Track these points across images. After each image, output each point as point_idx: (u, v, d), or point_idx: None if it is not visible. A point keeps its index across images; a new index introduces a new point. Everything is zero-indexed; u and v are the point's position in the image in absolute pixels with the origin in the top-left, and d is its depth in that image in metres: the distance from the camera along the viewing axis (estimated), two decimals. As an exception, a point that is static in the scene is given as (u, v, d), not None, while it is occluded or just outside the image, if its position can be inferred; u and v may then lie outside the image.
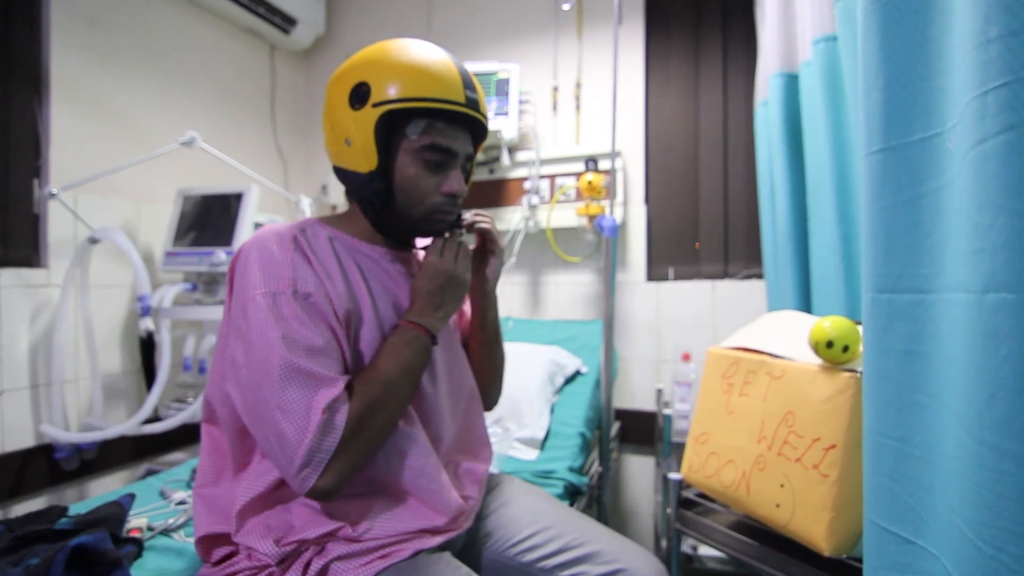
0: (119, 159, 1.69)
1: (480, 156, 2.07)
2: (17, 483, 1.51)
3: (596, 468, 1.45)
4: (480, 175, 2.08)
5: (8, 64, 1.50)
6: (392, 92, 0.74)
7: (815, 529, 0.73)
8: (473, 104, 0.78)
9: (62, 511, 0.93)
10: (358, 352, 0.76)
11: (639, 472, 1.95)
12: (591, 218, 1.85)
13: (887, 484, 0.60)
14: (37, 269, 1.59)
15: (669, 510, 1.03)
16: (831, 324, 0.75)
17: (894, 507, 0.58)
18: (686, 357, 1.73)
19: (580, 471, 1.30)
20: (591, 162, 1.85)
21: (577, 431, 1.38)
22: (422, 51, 0.78)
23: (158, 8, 1.89)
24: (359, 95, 0.75)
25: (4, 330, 1.51)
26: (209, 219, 1.78)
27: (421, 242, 0.92)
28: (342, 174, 0.81)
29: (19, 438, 1.54)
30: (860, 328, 0.75)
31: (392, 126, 0.76)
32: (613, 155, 1.59)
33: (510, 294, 2.11)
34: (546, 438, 1.36)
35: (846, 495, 0.71)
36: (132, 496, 0.93)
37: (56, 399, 1.57)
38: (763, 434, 0.83)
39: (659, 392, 1.84)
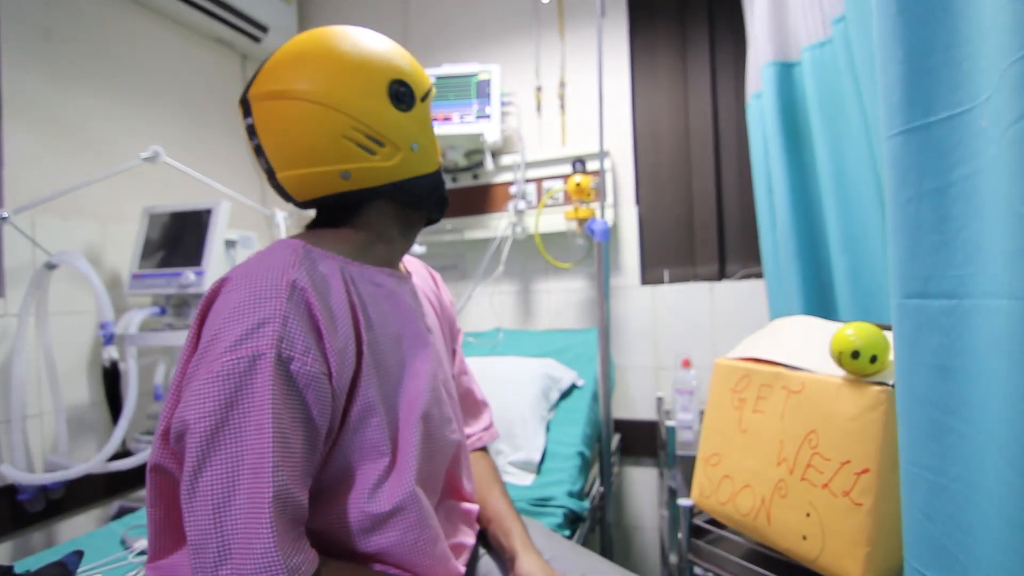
0: (80, 178, 1.59)
1: (463, 161, 1.99)
2: (-20, 528, 1.40)
3: (597, 488, 1.36)
4: (464, 181, 2.00)
5: (-48, 80, 1.40)
6: (422, 82, 0.71)
7: (849, 566, 0.65)
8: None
9: (7, 571, 0.83)
10: (346, 419, 0.62)
11: (641, 484, 1.86)
12: (581, 222, 1.77)
13: (921, 521, 0.52)
14: (-7, 299, 1.48)
15: (680, 535, 0.94)
16: (856, 332, 0.67)
17: (930, 548, 0.50)
18: (686, 363, 1.65)
19: (581, 495, 1.20)
20: (578, 163, 1.77)
21: (575, 450, 1.29)
22: (381, 37, 0.73)
23: (118, 18, 1.79)
24: (400, 95, 0.67)
25: (-44, 366, 1.40)
26: (179, 238, 1.69)
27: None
28: (403, 187, 0.69)
29: (-21, 479, 1.43)
30: (889, 335, 0.67)
31: None
32: (601, 155, 1.51)
33: (500, 304, 2.03)
34: (542, 460, 1.26)
35: (883, 526, 0.63)
36: (79, 554, 0.83)
37: (17, 437, 1.46)
38: (783, 456, 0.75)
39: (659, 400, 1.76)
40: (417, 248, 1.95)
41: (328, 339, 0.59)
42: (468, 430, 0.94)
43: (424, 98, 0.70)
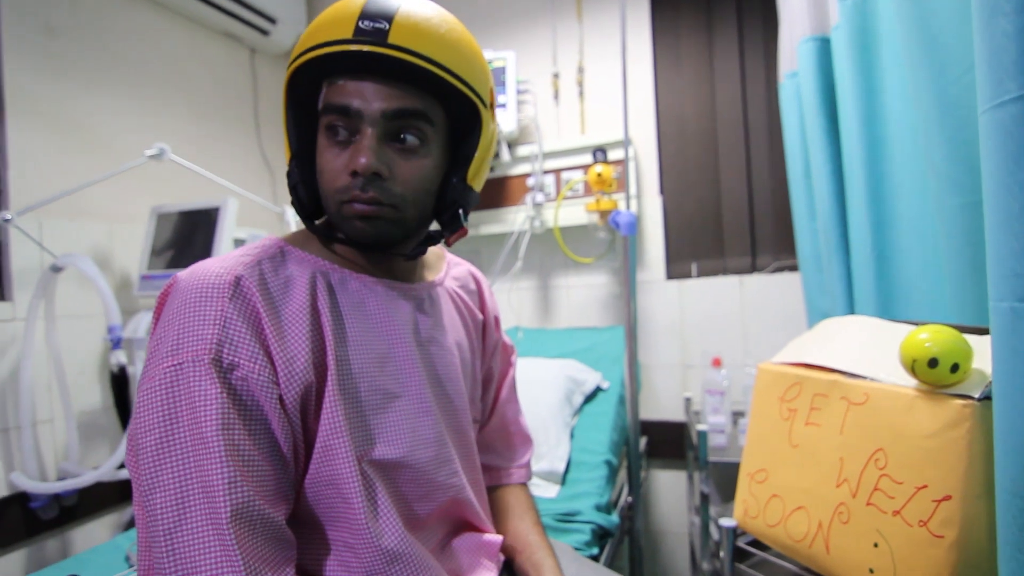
0: (87, 177, 1.54)
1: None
2: (-13, 536, 1.38)
3: (626, 498, 1.28)
4: (479, 174, 1.92)
5: (-47, 79, 1.36)
6: (291, 59, 0.58)
7: (929, 607, 0.56)
8: (373, 34, 0.53)
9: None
10: (309, 440, 0.54)
11: (669, 488, 1.78)
12: (602, 214, 1.68)
13: (1018, 558, 0.43)
14: (1, 303, 1.45)
15: (723, 555, 0.86)
16: (932, 336, 0.58)
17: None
18: (716, 362, 1.56)
19: (609, 508, 1.12)
20: (599, 152, 1.68)
21: (602, 459, 1.21)
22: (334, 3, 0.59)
23: (122, 14, 1.75)
24: None
25: (-34, 370, 1.37)
26: (188, 238, 1.64)
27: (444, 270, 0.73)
28: None
29: (-12, 486, 1.40)
30: (971, 339, 0.58)
31: (310, 103, 0.60)
32: (627, 143, 1.42)
33: (518, 301, 1.95)
34: (567, 470, 1.18)
35: (970, 562, 0.55)
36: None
37: (28, 443, 1.43)
38: (843, 476, 0.66)
39: (687, 401, 1.68)
40: (432, 244, 1.89)
41: (274, 345, 0.52)
42: (498, 462, 0.84)
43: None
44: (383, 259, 0.65)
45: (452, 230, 0.65)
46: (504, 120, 1.77)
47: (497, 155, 1.85)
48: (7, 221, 1.36)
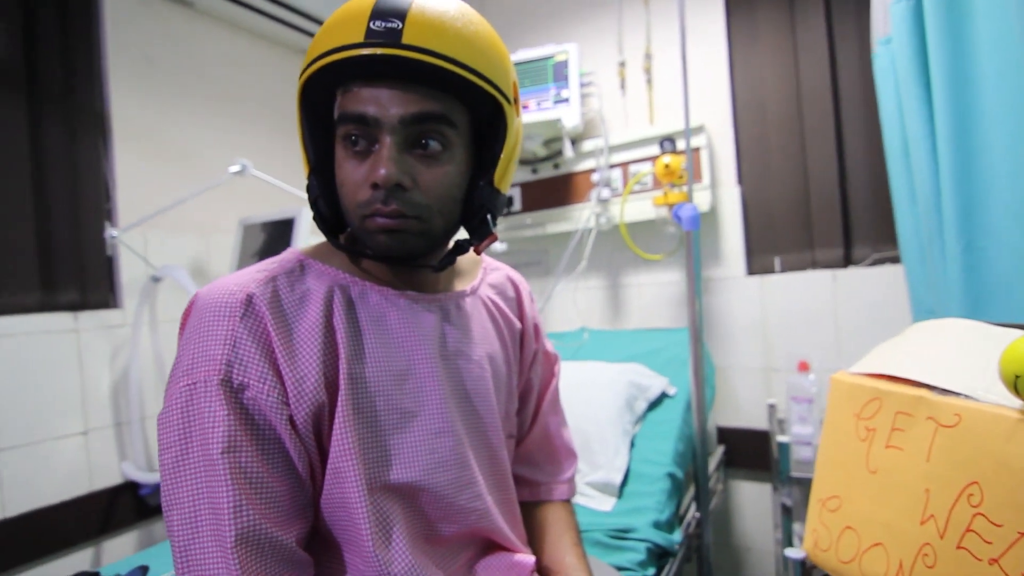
0: (183, 194, 1.69)
1: (542, 151, 1.87)
2: (106, 520, 1.55)
3: (693, 514, 1.19)
4: (545, 171, 1.88)
5: (73, 111, 1.54)
6: (302, 67, 0.55)
7: None
8: (386, 35, 0.50)
9: (92, 577, 0.87)
10: (325, 459, 0.53)
11: (752, 501, 1.65)
12: (671, 208, 1.58)
13: None
14: (113, 310, 1.62)
15: (791, 588, 0.77)
16: (1040, 347, 0.47)
17: None
18: (803, 367, 1.42)
19: (669, 526, 1.04)
20: (667, 142, 1.58)
21: (664, 471, 1.12)
22: (343, 4, 0.55)
23: (210, 40, 1.89)
24: None
25: (87, 371, 1.54)
26: (269, 247, 1.75)
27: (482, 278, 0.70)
28: None
29: (106, 476, 1.57)
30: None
31: (324, 112, 0.58)
32: (688, 131, 1.32)
33: (586, 301, 1.89)
34: (624, 482, 1.11)
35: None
36: (144, 569, 0.85)
37: (136, 436, 1.59)
38: (930, 511, 0.56)
39: (771, 408, 1.54)
40: (497, 246, 1.88)
41: (284, 365, 0.51)
42: (539, 477, 0.79)
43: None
44: (408, 270, 0.63)
45: (481, 237, 0.62)
46: (568, 115, 1.72)
47: (560, 153, 1.81)
48: (113, 237, 1.51)
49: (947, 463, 0.55)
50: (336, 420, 0.53)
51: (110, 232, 1.51)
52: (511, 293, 0.77)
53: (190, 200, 1.65)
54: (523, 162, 1.92)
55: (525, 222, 1.89)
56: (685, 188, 1.57)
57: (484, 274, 0.75)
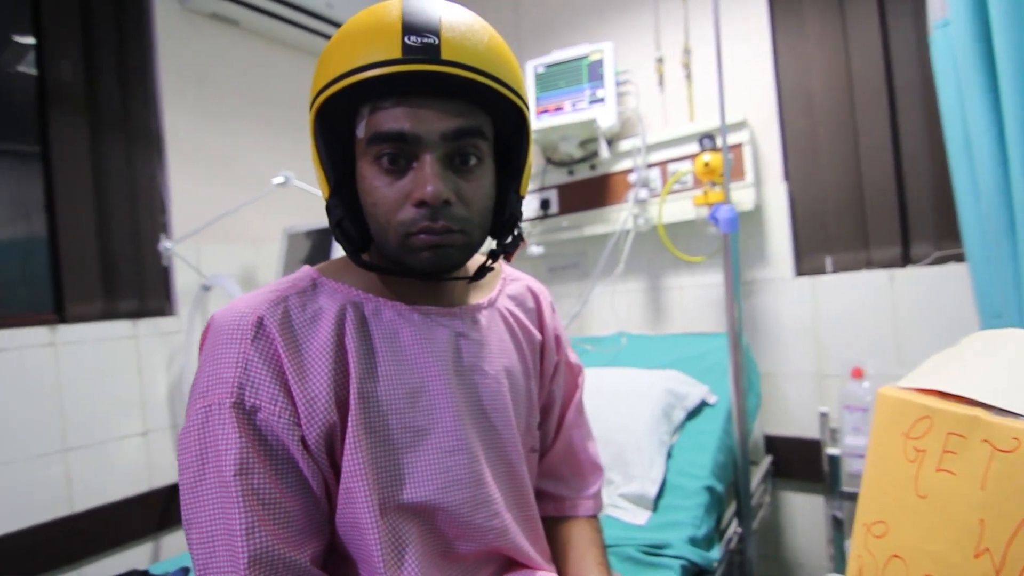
0: (232, 206, 1.76)
1: (578, 152, 1.84)
2: (165, 517, 1.63)
3: (735, 530, 1.13)
4: (581, 173, 1.86)
5: (130, 131, 1.63)
6: (320, 85, 0.53)
7: None
8: (424, 50, 0.49)
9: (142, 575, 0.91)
10: (338, 483, 0.53)
11: (803, 513, 1.56)
12: (712, 207, 1.52)
13: None
14: (169, 317, 1.71)
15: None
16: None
17: None
18: (857, 373, 1.33)
19: (707, 542, 0.99)
20: (707, 139, 1.53)
21: (702, 484, 1.07)
22: (362, 14, 0.54)
23: (258, 56, 1.97)
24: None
25: (145, 375, 1.64)
26: (313, 255, 1.80)
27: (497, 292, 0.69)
28: None
29: (164, 475, 1.66)
30: None
31: (341, 128, 0.56)
32: (724, 128, 1.27)
33: (625, 304, 1.85)
34: (660, 494, 1.06)
35: None
36: (186, 570, 0.88)
37: (191, 438, 1.67)
38: (984, 544, 0.51)
39: (823, 417, 1.46)
40: (535, 249, 1.86)
41: (295, 386, 0.51)
42: (564, 492, 0.77)
43: (311, 109, 0.58)
44: (428, 284, 0.62)
45: (511, 244, 0.63)
46: (603, 115, 1.69)
47: (596, 154, 1.77)
48: (168, 248, 1.60)
49: (1005, 492, 0.50)
50: (347, 439, 0.53)
51: (165, 244, 1.59)
52: (531, 304, 0.75)
53: (238, 211, 1.72)
54: (559, 164, 1.90)
55: (562, 224, 1.87)
56: (730, 186, 1.51)
57: (503, 285, 0.73)
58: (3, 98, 1.47)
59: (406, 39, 0.50)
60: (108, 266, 1.56)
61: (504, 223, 0.61)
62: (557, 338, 0.77)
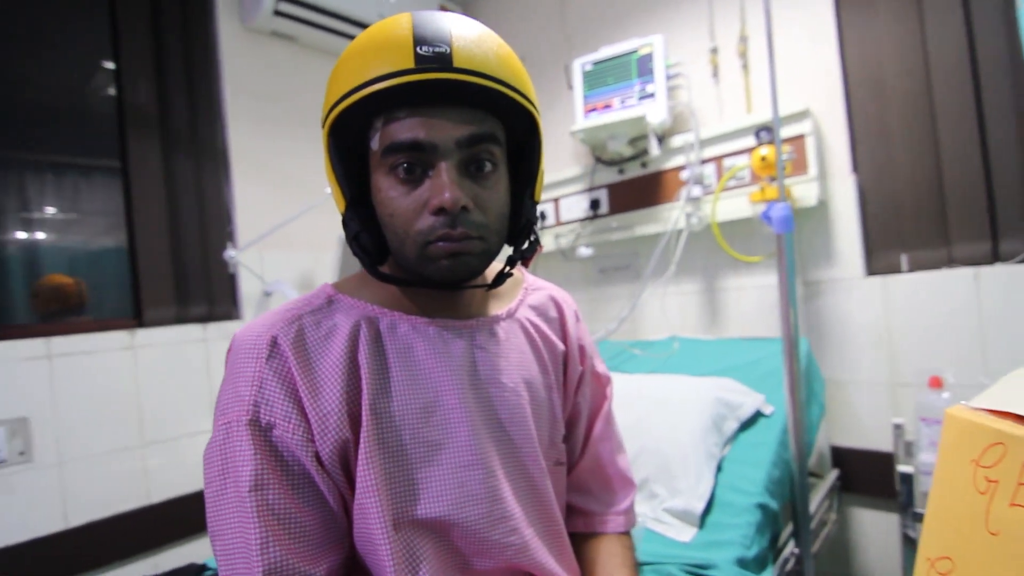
0: (289, 215, 1.85)
1: (628, 150, 1.79)
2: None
3: (792, 550, 1.05)
4: (632, 171, 1.80)
5: (198, 146, 1.74)
6: (332, 100, 0.54)
7: None
8: (437, 60, 0.50)
9: (199, 569, 0.97)
10: (353, 494, 0.54)
11: (875, 530, 1.45)
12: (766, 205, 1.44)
13: None
14: (235, 321, 1.81)
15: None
16: None
17: None
18: (936, 383, 1.22)
19: (758, 563, 0.92)
20: (764, 132, 1.44)
21: (754, 501, 1.00)
22: (371, 29, 0.55)
23: (310, 69, 2.05)
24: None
25: (213, 375, 1.74)
26: (365, 260, 1.85)
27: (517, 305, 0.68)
28: None
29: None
30: None
31: (355, 143, 0.56)
32: (776, 119, 1.18)
33: (678, 306, 1.78)
34: (707, 510, 1.00)
35: None
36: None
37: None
38: (1064, 593, 0.44)
39: (897, 429, 1.34)
40: (584, 250, 1.83)
41: (308, 403, 0.53)
42: (593, 507, 0.75)
43: (325, 124, 0.58)
44: (445, 296, 0.62)
45: (528, 250, 0.63)
46: (653, 111, 1.63)
47: (646, 151, 1.72)
48: (233, 257, 1.69)
49: (1089, 535, 0.43)
50: (360, 455, 0.53)
51: (230, 252, 1.68)
52: (553, 313, 0.73)
53: (296, 220, 1.80)
54: (608, 163, 1.85)
55: (611, 225, 1.83)
56: (796, 179, 1.43)
57: (524, 295, 0.72)
58: (93, 119, 1.61)
59: (418, 49, 0.51)
60: (180, 274, 1.67)
61: (520, 229, 0.62)
62: (582, 348, 0.75)
